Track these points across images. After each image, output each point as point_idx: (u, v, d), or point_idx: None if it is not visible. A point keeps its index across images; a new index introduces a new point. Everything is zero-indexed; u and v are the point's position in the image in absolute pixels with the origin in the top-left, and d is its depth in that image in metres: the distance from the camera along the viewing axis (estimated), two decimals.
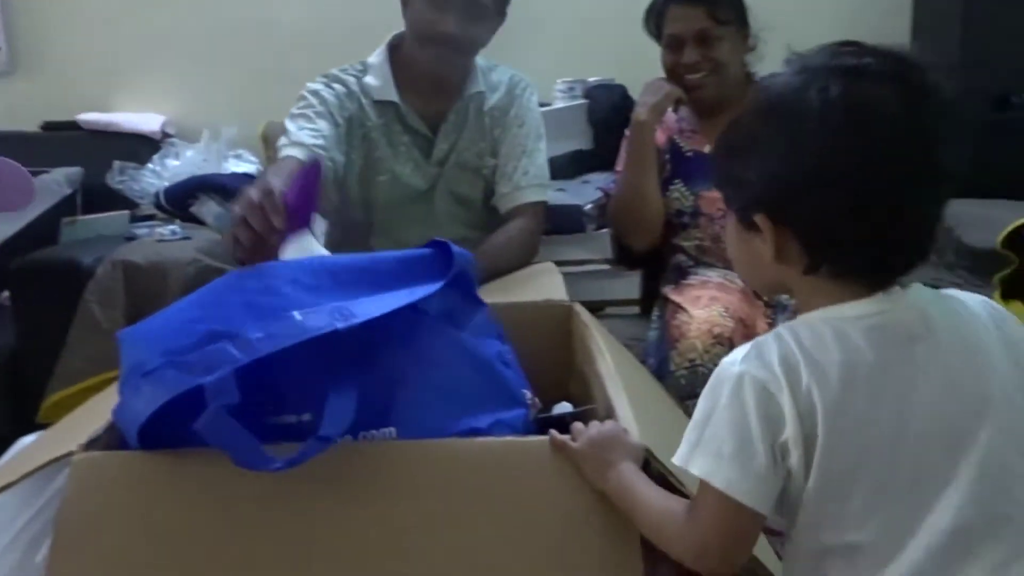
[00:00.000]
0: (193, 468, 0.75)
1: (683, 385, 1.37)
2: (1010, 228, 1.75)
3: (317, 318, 0.73)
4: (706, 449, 0.65)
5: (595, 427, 0.77)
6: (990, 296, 1.74)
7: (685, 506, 0.69)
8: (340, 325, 0.72)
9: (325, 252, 1.04)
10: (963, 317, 0.69)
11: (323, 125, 1.57)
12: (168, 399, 0.72)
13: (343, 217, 1.71)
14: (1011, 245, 1.76)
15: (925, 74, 0.67)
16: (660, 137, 1.78)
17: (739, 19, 1.65)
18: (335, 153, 1.57)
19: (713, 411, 0.66)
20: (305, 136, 1.53)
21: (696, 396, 0.73)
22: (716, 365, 0.69)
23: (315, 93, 1.61)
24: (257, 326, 0.75)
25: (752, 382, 0.64)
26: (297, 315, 0.73)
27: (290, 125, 1.57)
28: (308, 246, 1.02)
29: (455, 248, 0.90)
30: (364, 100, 1.64)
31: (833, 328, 0.65)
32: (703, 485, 0.66)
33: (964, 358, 0.66)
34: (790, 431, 0.64)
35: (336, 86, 1.64)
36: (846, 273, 0.66)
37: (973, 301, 0.72)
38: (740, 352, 0.67)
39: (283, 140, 1.55)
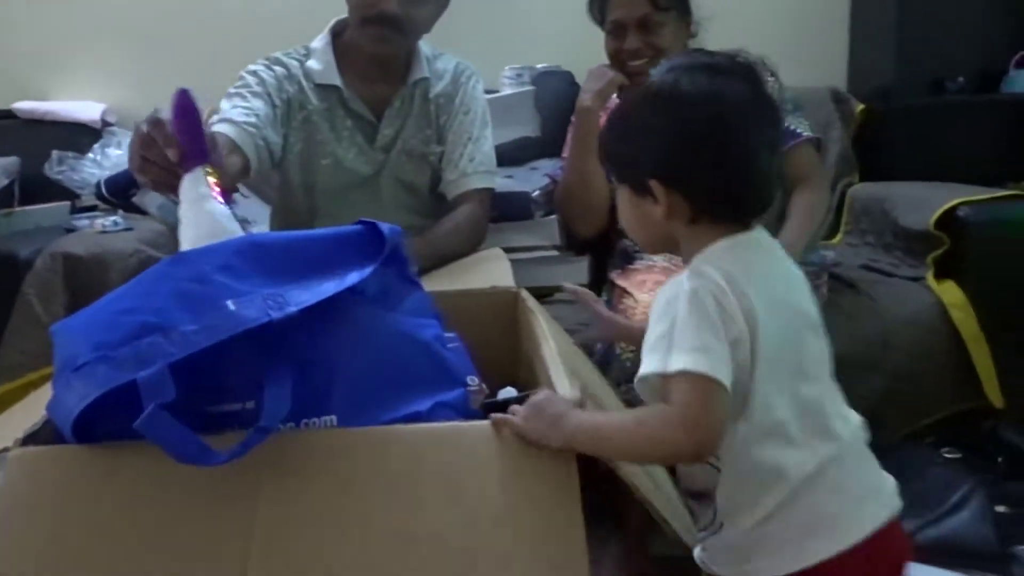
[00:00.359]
0: (130, 460, 0.75)
1: (628, 368, 1.40)
2: (941, 210, 1.81)
3: (251, 307, 0.72)
4: (680, 349, 0.75)
5: (530, 400, 0.81)
6: (924, 276, 1.84)
7: (653, 409, 0.78)
8: (275, 315, 0.72)
9: (215, 191, 1.01)
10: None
11: (258, 104, 1.55)
12: (99, 395, 0.71)
13: (285, 202, 1.71)
14: (943, 226, 1.81)
15: (757, 71, 0.86)
16: (605, 123, 1.80)
17: (680, 6, 1.67)
18: (269, 132, 1.56)
19: (675, 322, 0.77)
20: (237, 114, 1.51)
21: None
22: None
23: (253, 73, 1.60)
24: (190, 318, 0.73)
25: (706, 290, 0.77)
26: (231, 304, 0.72)
27: (224, 103, 1.55)
28: (198, 183, 1.00)
29: (385, 226, 0.90)
30: (305, 83, 1.63)
31: (727, 252, 0.82)
32: (679, 379, 0.74)
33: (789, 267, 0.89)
34: (739, 328, 0.77)
35: (276, 68, 1.62)
36: (720, 219, 0.84)
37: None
38: (679, 279, 0.80)
39: (214, 118, 1.53)
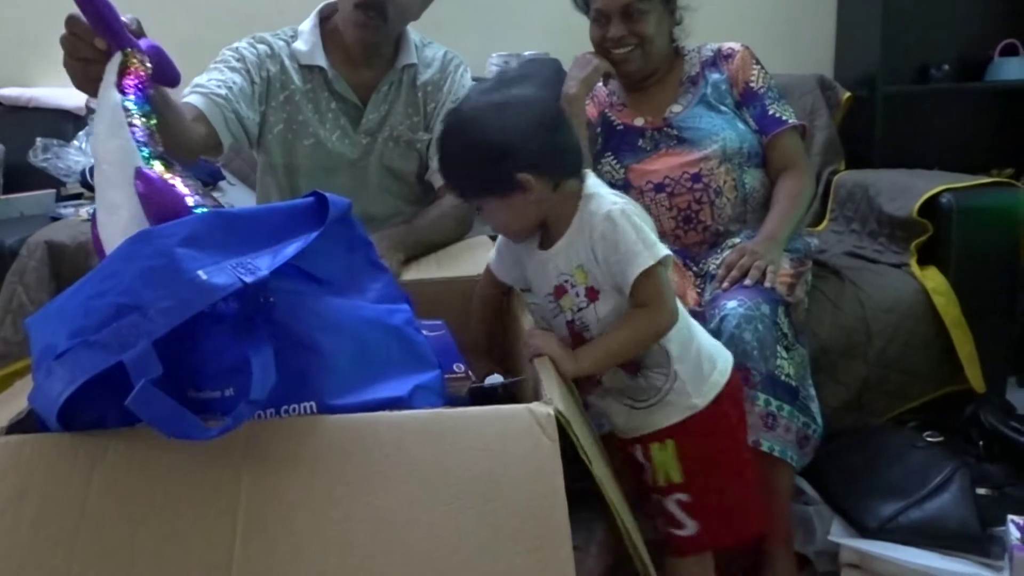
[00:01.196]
0: (114, 447, 0.75)
1: None
2: (924, 197, 1.82)
3: (220, 275, 0.72)
4: (634, 255, 1.02)
5: (544, 345, 1.03)
6: (908, 262, 1.85)
7: (636, 314, 1.06)
8: (248, 279, 0.72)
9: (124, 78, 0.94)
10: None
11: (234, 78, 1.54)
12: (86, 379, 0.71)
13: (267, 184, 1.70)
14: (926, 213, 1.83)
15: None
16: (592, 111, 1.81)
17: None
18: (242, 107, 1.54)
19: (630, 231, 1.02)
20: (210, 85, 1.50)
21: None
22: None
23: (234, 50, 1.59)
24: (163, 293, 0.72)
25: (630, 206, 1.06)
26: (202, 274, 0.72)
27: (201, 76, 1.54)
28: (110, 70, 0.94)
29: (331, 196, 0.89)
30: (289, 63, 1.62)
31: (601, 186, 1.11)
32: (640, 281, 1.02)
33: None
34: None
35: (260, 46, 1.62)
36: (569, 178, 1.07)
37: None
38: (596, 216, 1.05)
39: (188, 89, 1.51)
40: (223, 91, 1.50)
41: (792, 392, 1.36)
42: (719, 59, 1.75)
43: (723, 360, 1.16)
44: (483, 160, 1.04)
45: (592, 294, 1.09)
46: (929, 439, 1.60)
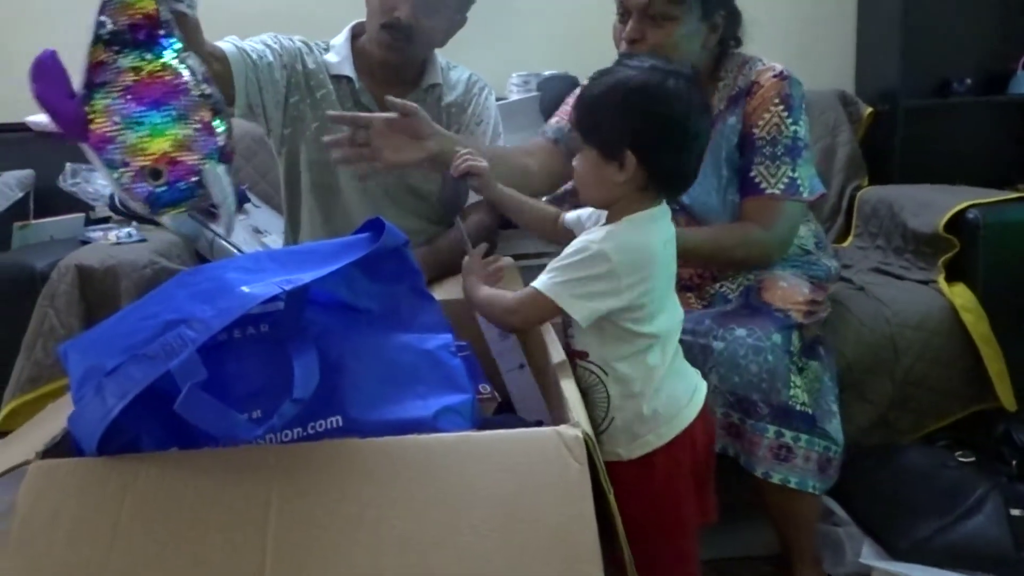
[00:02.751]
0: (146, 471, 0.76)
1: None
2: (951, 212, 1.80)
3: (263, 287, 0.75)
4: (556, 276, 1.03)
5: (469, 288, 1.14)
6: (935, 279, 1.83)
7: (520, 295, 1.07)
8: (287, 287, 0.74)
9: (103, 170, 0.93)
10: None
11: (267, 54, 1.59)
12: (139, 391, 0.73)
13: (293, 188, 1.71)
14: (953, 229, 1.81)
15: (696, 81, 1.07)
16: None
17: (702, 5, 1.44)
18: (265, 78, 1.58)
19: (576, 260, 1.01)
20: (247, 45, 1.56)
21: None
22: None
23: (275, 37, 1.64)
24: (208, 308, 0.75)
25: (602, 258, 1.01)
26: (245, 288, 0.74)
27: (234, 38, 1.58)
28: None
29: (387, 224, 0.91)
30: (320, 71, 1.66)
31: (647, 218, 1.05)
32: (531, 290, 1.04)
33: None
34: (625, 283, 1.01)
35: (299, 43, 1.67)
36: (660, 191, 1.06)
37: None
38: (596, 235, 1.02)
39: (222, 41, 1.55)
40: (254, 56, 1.55)
41: (809, 420, 1.32)
42: (747, 93, 1.50)
43: (667, 426, 1.07)
44: (616, 111, 1.02)
45: None
46: (960, 459, 1.58)
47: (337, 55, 1.68)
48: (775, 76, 1.50)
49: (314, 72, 1.65)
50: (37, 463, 0.78)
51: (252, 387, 0.78)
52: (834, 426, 1.36)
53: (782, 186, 1.46)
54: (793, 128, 1.47)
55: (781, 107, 1.47)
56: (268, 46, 1.61)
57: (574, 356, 1.10)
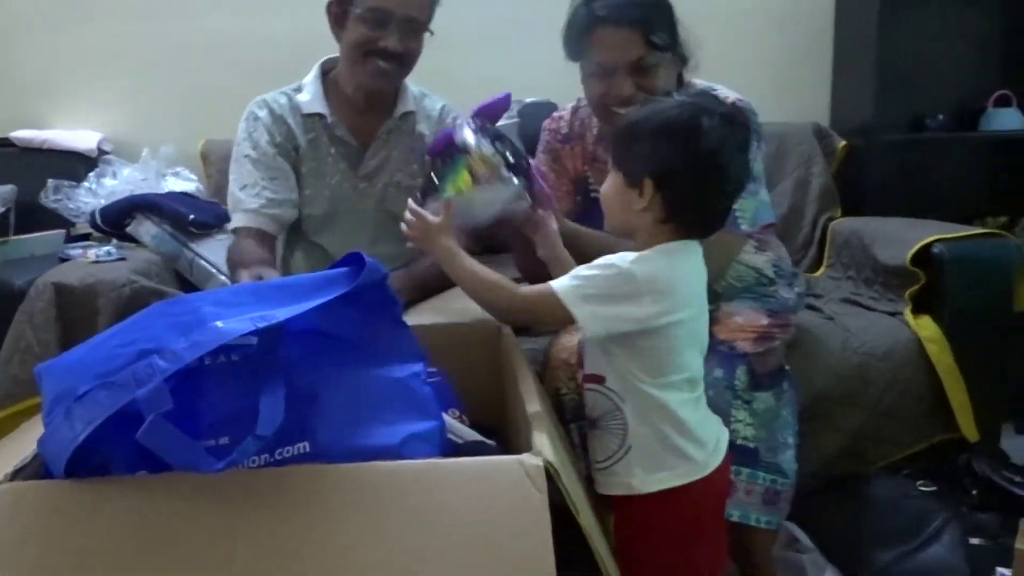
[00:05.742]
0: (115, 495, 0.77)
1: (572, 407, 1.37)
2: (918, 246, 1.84)
3: (237, 323, 0.77)
4: (572, 279, 1.04)
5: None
6: (902, 311, 1.87)
7: (526, 289, 1.11)
8: (260, 325, 0.76)
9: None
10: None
11: (273, 178, 1.65)
12: (104, 418, 0.74)
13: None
14: (920, 262, 1.85)
15: (751, 128, 1.10)
16: (576, 166, 1.68)
17: (673, 43, 1.46)
18: (285, 192, 1.67)
19: (592, 271, 1.04)
20: (259, 203, 1.64)
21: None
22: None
23: (254, 143, 1.66)
24: (182, 339, 0.77)
25: (629, 277, 1.02)
26: (219, 323, 0.76)
27: (242, 191, 1.65)
28: None
29: (368, 259, 0.93)
30: (292, 119, 1.69)
31: (680, 248, 1.06)
32: (557, 295, 1.04)
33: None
34: (646, 310, 1.03)
35: (264, 116, 1.68)
36: (682, 228, 1.05)
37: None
38: (628, 256, 1.02)
39: (231, 203, 1.67)
40: (267, 202, 1.65)
41: (751, 454, 1.33)
42: None
43: (689, 466, 1.05)
44: (642, 139, 1.04)
45: None
46: (922, 488, 1.61)
47: (309, 93, 1.70)
48: (731, 104, 1.47)
49: (287, 135, 1.68)
50: (5, 486, 0.79)
51: (221, 414, 0.80)
52: (786, 459, 1.37)
53: (746, 224, 1.47)
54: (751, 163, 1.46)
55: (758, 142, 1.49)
56: (265, 144, 1.66)
57: (590, 380, 1.11)
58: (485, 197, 1.21)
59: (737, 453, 1.31)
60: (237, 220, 1.65)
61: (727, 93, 1.53)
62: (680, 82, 1.55)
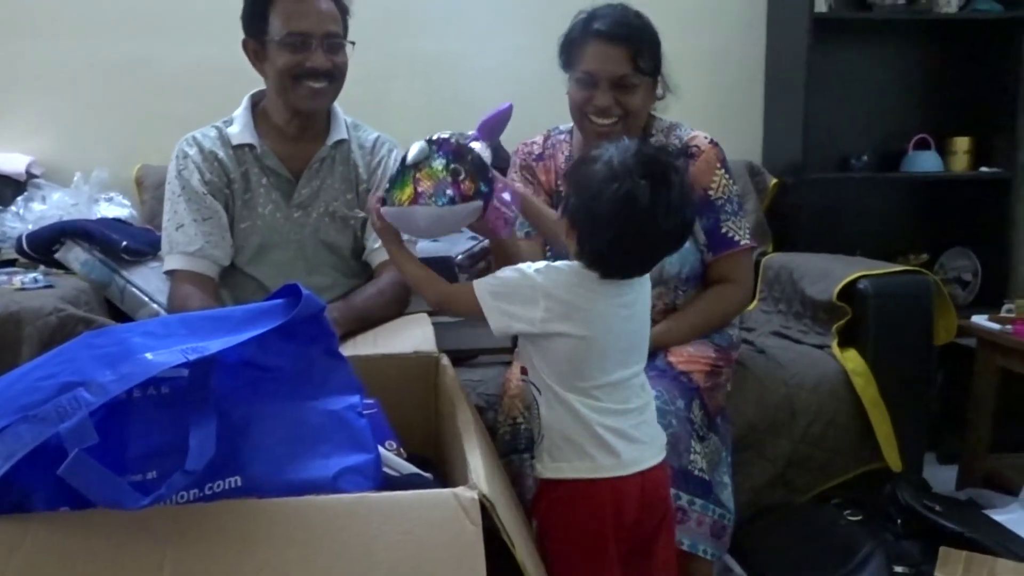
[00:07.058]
0: (35, 531, 0.75)
1: (507, 441, 1.40)
2: (844, 282, 1.91)
3: (167, 355, 0.75)
4: (488, 280, 1.19)
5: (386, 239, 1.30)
6: (829, 344, 1.94)
7: (459, 286, 1.29)
8: (191, 357, 0.75)
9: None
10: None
11: (207, 221, 1.65)
12: (26, 452, 0.72)
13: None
14: (845, 297, 1.92)
15: (670, 172, 1.11)
16: (550, 180, 1.73)
17: (655, 71, 1.58)
18: (219, 235, 1.66)
19: (506, 275, 1.17)
20: (195, 245, 1.65)
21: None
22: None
23: (184, 183, 1.65)
24: (109, 372, 0.76)
25: (538, 285, 1.14)
26: (149, 355, 0.75)
27: (175, 233, 1.65)
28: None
29: (305, 291, 0.93)
30: (223, 152, 1.68)
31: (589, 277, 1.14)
32: (469, 285, 1.20)
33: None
34: (552, 319, 1.15)
35: (194, 156, 1.67)
36: (594, 267, 1.13)
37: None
38: (535, 267, 1.14)
39: (165, 242, 1.67)
40: (202, 245, 1.64)
41: (705, 486, 1.37)
42: (686, 155, 1.62)
43: (594, 467, 1.13)
44: (571, 180, 1.16)
45: None
46: (850, 517, 1.66)
47: (239, 125, 1.70)
48: (710, 143, 1.66)
49: (219, 170, 1.68)
50: None
51: (149, 447, 0.78)
52: (727, 496, 1.44)
53: (748, 237, 1.66)
54: (734, 187, 1.67)
55: (723, 171, 1.64)
56: (197, 183, 1.65)
57: (522, 371, 1.23)
58: (426, 212, 1.22)
59: (693, 483, 1.35)
60: (174, 262, 1.65)
61: (691, 132, 1.66)
62: (649, 118, 1.66)
